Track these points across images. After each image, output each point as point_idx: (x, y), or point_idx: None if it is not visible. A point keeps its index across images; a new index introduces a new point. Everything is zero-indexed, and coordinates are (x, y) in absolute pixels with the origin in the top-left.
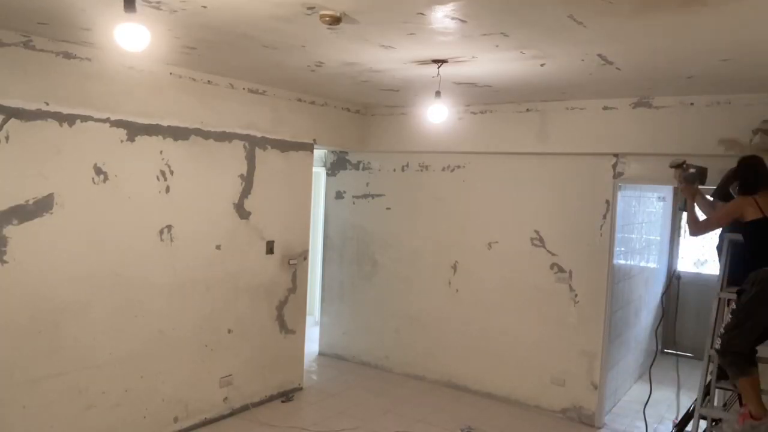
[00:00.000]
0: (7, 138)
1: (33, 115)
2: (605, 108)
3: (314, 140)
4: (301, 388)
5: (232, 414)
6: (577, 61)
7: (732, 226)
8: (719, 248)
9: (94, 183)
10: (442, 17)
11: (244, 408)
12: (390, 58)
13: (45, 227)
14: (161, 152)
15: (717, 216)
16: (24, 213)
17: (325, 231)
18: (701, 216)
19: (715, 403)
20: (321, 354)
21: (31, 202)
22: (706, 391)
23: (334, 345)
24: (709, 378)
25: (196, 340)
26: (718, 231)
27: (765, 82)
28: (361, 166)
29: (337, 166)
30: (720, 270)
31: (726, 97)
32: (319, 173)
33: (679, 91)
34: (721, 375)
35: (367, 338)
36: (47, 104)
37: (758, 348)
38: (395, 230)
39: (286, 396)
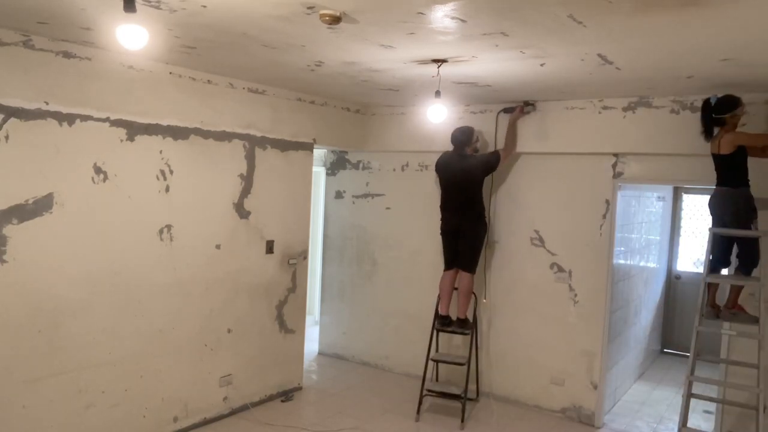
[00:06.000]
0: (6, 137)
1: (33, 115)
2: (605, 108)
3: (314, 140)
4: (300, 388)
5: (231, 413)
6: (577, 61)
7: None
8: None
9: (94, 182)
10: (441, 17)
11: (244, 407)
12: (390, 57)
13: (45, 227)
14: (161, 152)
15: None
16: (24, 212)
17: (325, 231)
18: None
19: None
20: (321, 354)
21: (30, 201)
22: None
23: (333, 345)
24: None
25: (195, 340)
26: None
27: (765, 82)
28: (360, 165)
29: (336, 165)
30: (705, 257)
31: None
32: (318, 173)
33: (678, 91)
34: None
35: (367, 338)
36: (47, 104)
37: None
38: (395, 230)
39: (286, 395)
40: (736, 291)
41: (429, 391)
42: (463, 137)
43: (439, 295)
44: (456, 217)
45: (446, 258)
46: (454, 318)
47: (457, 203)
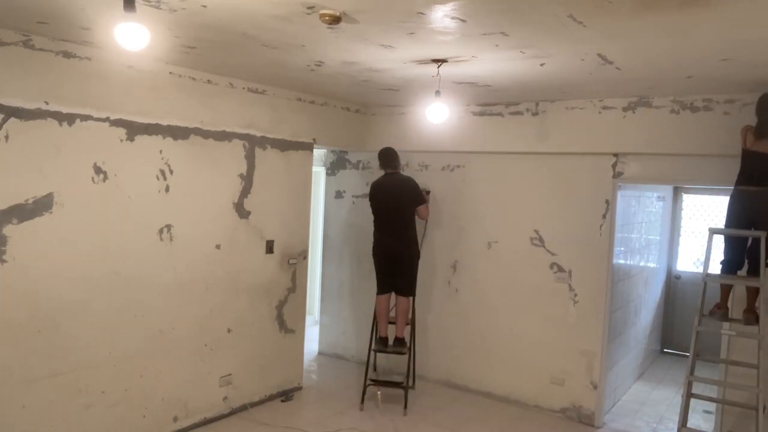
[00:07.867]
0: (6, 137)
1: (33, 115)
2: (605, 108)
3: (314, 140)
4: (300, 388)
5: (231, 413)
6: (576, 61)
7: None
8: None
9: (94, 182)
10: (441, 17)
11: (244, 407)
12: (390, 57)
13: (44, 226)
14: (161, 152)
15: None
16: (24, 212)
17: (324, 231)
18: None
19: None
20: (320, 353)
21: (30, 201)
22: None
23: (333, 344)
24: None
25: (195, 340)
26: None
27: (765, 82)
28: (360, 165)
29: (336, 165)
30: (705, 258)
31: (725, 96)
32: (319, 173)
33: (678, 91)
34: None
35: (366, 338)
36: (47, 103)
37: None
38: None
39: (286, 395)
40: (754, 293)
41: (372, 380)
42: (396, 156)
43: (375, 319)
44: (393, 239)
45: (381, 281)
46: (390, 341)
47: (392, 225)
